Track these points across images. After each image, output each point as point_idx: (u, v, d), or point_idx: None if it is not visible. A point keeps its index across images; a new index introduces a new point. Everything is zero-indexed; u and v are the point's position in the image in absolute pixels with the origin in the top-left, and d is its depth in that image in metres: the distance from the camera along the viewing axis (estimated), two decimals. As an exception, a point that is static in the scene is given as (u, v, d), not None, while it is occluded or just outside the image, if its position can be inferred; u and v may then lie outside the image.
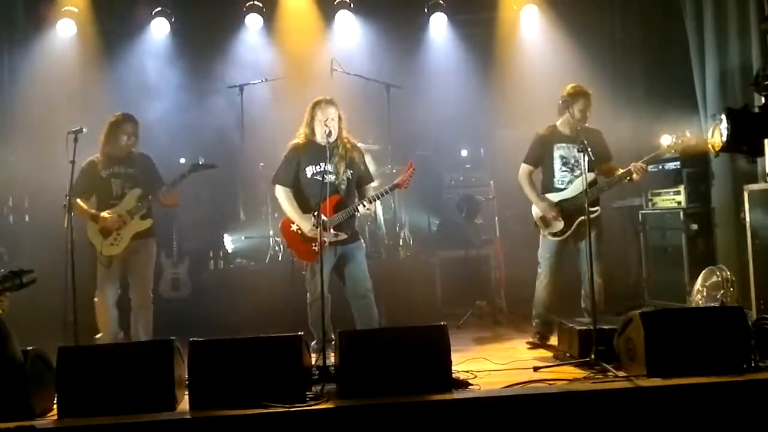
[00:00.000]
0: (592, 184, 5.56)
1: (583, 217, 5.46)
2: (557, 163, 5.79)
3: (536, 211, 5.84)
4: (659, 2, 7.58)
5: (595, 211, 5.65)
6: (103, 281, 5.62)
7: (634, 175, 5.53)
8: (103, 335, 5.64)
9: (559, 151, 5.78)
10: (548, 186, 5.84)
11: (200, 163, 5.78)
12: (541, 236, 5.89)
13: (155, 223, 5.77)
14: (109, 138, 5.69)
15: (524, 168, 5.87)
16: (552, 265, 5.81)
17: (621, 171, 5.61)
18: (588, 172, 5.43)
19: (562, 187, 5.77)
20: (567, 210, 5.70)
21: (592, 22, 8.42)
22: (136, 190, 5.66)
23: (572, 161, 5.74)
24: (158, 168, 5.89)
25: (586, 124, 5.76)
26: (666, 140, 5.67)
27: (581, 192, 5.36)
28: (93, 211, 5.60)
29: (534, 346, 5.79)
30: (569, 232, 5.71)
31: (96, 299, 5.63)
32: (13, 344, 4.03)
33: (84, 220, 5.56)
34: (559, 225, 5.72)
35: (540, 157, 5.86)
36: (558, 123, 5.84)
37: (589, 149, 5.09)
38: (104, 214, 5.56)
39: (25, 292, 4.06)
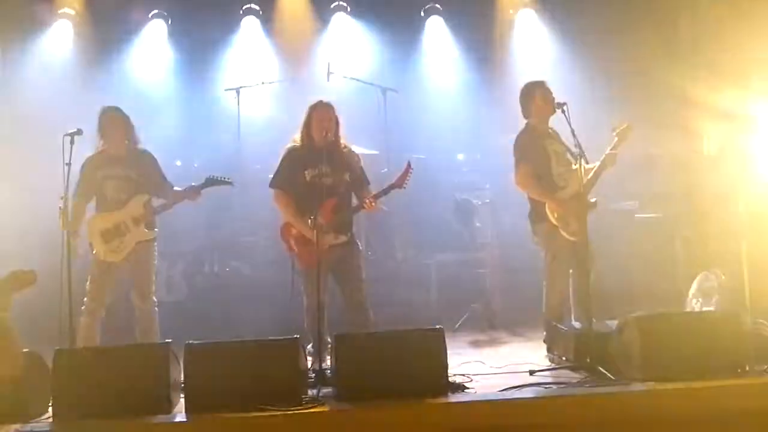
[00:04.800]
0: None
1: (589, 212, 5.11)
2: (552, 161, 5.41)
3: (556, 209, 5.31)
4: (653, 7, 7.59)
5: (595, 203, 5.33)
6: (98, 290, 5.27)
7: (609, 167, 5.31)
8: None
9: (552, 146, 5.44)
10: (550, 185, 5.39)
11: (218, 177, 5.52)
12: (550, 238, 5.37)
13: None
14: (101, 134, 5.44)
15: (525, 168, 5.40)
16: (571, 266, 5.37)
17: (598, 163, 5.33)
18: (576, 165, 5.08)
19: (563, 184, 5.37)
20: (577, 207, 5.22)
21: (588, 26, 8.42)
22: (144, 195, 5.40)
23: (566, 155, 5.38)
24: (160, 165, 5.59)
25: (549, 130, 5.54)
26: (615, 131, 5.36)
27: (579, 186, 5.11)
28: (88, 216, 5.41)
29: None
30: (582, 229, 5.10)
31: (82, 316, 5.20)
32: (18, 346, 4.02)
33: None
34: (575, 223, 5.22)
35: (535, 154, 5.41)
36: (531, 123, 5.52)
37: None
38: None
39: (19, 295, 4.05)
